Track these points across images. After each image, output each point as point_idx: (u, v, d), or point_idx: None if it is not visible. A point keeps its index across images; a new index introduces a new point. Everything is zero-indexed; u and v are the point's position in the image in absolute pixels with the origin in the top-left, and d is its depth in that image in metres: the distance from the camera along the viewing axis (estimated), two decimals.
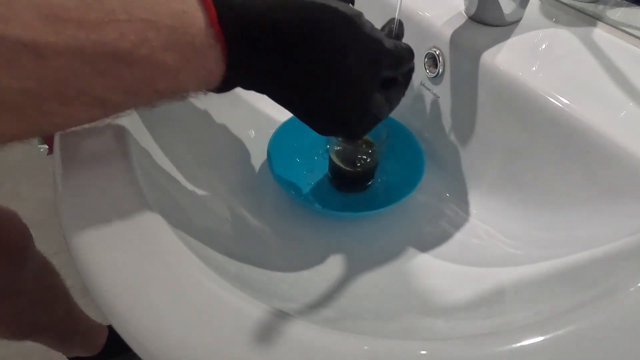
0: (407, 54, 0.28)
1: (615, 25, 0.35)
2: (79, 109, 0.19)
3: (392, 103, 0.28)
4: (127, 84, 0.19)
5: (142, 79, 0.19)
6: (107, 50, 0.18)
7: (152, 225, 0.23)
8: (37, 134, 0.20)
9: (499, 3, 0.34)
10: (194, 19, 0.20)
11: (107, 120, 0.22)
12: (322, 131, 0.28)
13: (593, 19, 0.36)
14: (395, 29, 0.30)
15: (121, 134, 0.28)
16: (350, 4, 0.25)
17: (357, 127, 0.27)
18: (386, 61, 0.26)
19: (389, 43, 0.26)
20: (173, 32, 0.19)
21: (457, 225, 0.37)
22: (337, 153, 0.39)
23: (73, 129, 0.28)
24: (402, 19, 0.30)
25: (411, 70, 0.29)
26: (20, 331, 0.60)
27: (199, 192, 0.35)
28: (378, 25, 0.27)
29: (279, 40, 0.22)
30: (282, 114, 0.42)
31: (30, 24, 0.16)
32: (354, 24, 0.23)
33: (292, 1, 0.22)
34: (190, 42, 0.20)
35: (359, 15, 0.24)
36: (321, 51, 0.23)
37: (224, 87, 0.23)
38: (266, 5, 0.21)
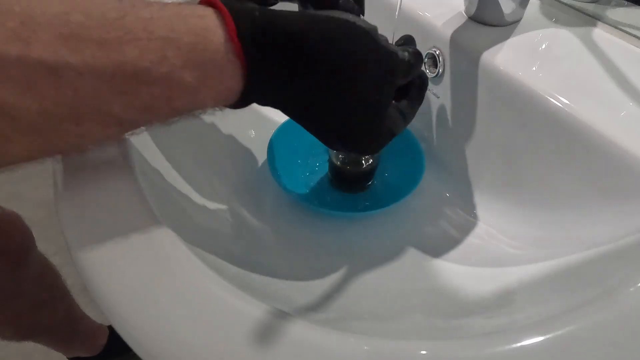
0: (417, 58, 0.27)
1: (615, 25, 0.35)
2: (95, 129, 0.19)
3: (407, 117, 0.28)
4: (145, 103, 0.19)
5: (161, 97, 0.19)
6: (126, 69, 0.18)
7: (151, 225, 0.23)
8: (52, 155, 0.20)
9: (499, 3, 0.34)
10: (213, 35, 0.20)
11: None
12: (337, 148, 0.27)
13: (593, 19, 0.36)
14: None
15: None
16: (363, 17, 0.24)
17: (373, 143, 0.27)
18: (400, 71, 0.26)
19: (402, 54, 0.26)
20: (192, 49, 0.19)
21: (457, 225, 0.37)
22: (337, 153, 0.39)
23: None
24: (402, 19, 0.30)
25: (424, 84, 0.29)
26: (20, 332, 0.60)
27: (199, 192, 0.35)
28: (383, 30, 0.27)
29: (299, 54, 0.22)
30: (282, 114, 0.42)
31: (50, 44, 0.16)
32: (371, 38, 0.23)
33: (311, 15, 0.22)
34: (210, 58, 0.20)
35: (375, 29, 0.24)
36: (340, 65, 0.22)
37: (240, 103, 0.23)
38: (285, 19, 0.21)
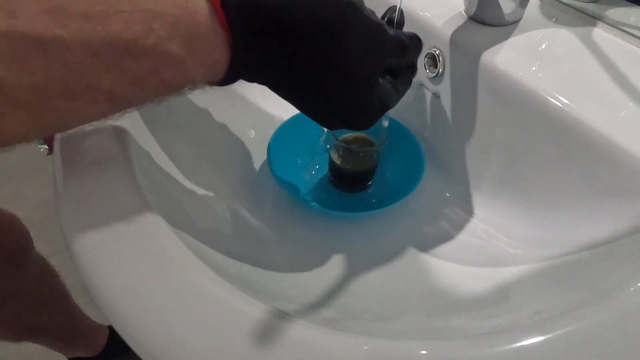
0: (414, 41, 0.27)
1: (615, 25, 0.35)
2: (87, 105, 0.19)
3: (400, 91, 0.28)
4: (134, 76, 0.19)
5: (149, 70, 0.19)
6: (113, 42, 0.18)
7: (152, 226, 0.23)
8: (46, 133, 0.20)
9: (498, 3, 0.34)
10: (197, 7, 0.20)
11: (112, 119, 0.22)
12: (329, 123, 0.27)
13: (593, 18, 0.36)
14: (397, 16, 0.30)
15: (121, 134, 0.28)
16: None
17: (366, 114, 0.27)
18: (390, 47, 0.26)
19: (391, 30, 0.26)
20: (178, 20, 0.19)
21: (457, 225, 0.37)
22: (337, 153, 0.39)
23: (73, 132, 0.28)
24: (402, 11, 0.30)
25: (416, 61, 0.29)
26: (20, 332, 0.60)
27: (199, 192, 0.35)
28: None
29: (283, 24, 0.22)
30: (282, 114, 0.42)
31: (37, 17, 0.16)
32: (357, 9, 0.23)
33: None
34: (195, 30, 0.20)
35: (362, 1, 0.24)
36: (327, 36, 0.23)
37: (228, 77, 0.23)
38: None
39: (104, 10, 0.18)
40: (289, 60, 0.23)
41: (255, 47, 0.22)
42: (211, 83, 0.23)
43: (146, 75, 0.20)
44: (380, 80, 0.26)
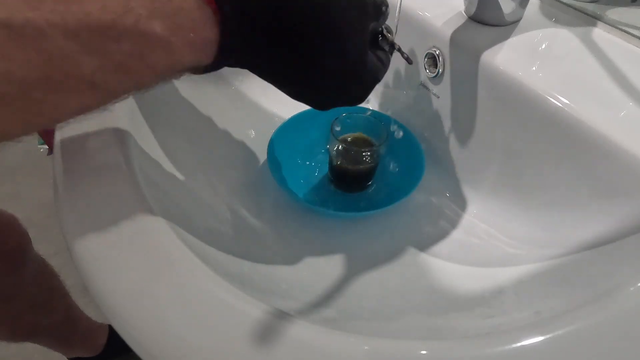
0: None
1: (615, 25, 0.35)
2: (68, 95, 0.18)
3: (384, 62, 0.28)
4: (116, 61, 0.18)
5: (132, 53, 0.18)
6: (90, 23, 0.17)
7: (152, 226, 0.23)
8: (29, 130, 0.18)
9: (498, 3, 0.34)
10: None
11: (104, 112, 0.21)
12: (323, 102, 0.26)
13: (593, 18, 0.36)
14: None
15: (121, 134, 0.28)
16: None
17: (360, 88, 0.26)
18: (371, 11, 0.25)
19: None
20: None
21: (457, 225, 0.37)
22: (337, 153, 0.39)
23: (73, 132, 0.28)
24: (402, 19, 0.30)
25: (389, 27, 0.28)
26: (19, 333, 0.60)
27: (199, 192, 0.35)
28: None
29: (272, 1, 0.21)
30: (283, 114, 0.42)
31: (5, 2, 0.15)
32: None
33: None
34: (178, 6, 0.19)
35: None
36: (314, 10, 0.22)
37: (218, 58, 0.22)
38: None
39: None
40: (278, 36, 0.22)
41: (243, 21, 0.21)
42: (200, 67, 0.22)
43: (129, 60, 0.18)
44: (369, 52, 0.26)
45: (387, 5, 0.27)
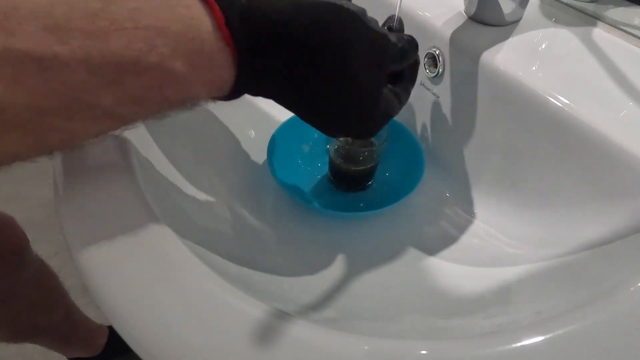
0: (411, 45, 0.27)
1: (615, 25, 0.35)
2: (86, 124, 0.19)
3: (402, 98, 0.28)
4: (135, 94, 0.19)
5: (151, 87, 0.19)
6: (114, 59, 0.17)
7: (152, 226, 0.23)
8: (42, 153, 0.19)
9: (498, 3, 0.34)
10: (201, 24, 0.20)
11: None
12: (333, 133, 0.27)
13: (593, 18, 0.36)
14: (395, 25, 0.30)
15: (121, 135, 0.28)
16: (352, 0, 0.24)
17: (370, 124, 0.27)
18: (392, 54, 0.26)
19: (392, 37, 0.26)
20: (181, 38, 0.19)
21: (457, 225, 0.37)
22: (337, 153, 0.39)
23: None
24: (401, 19, 0.30)
25: (417, 63, 0.29)
26: (19, 334, 0.60)
27: (199, 192, 0.35)
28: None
29: (287, 40, 0.22)
30: (282, 114, 0.42)
31: (36, 35, 0.16)
32: (360, 20, 0.23)
33: (298, 0, 0.22)
34: (199, 47, 0.20)
35: (364, 11, 0.24)
36: (331, 48, 0.22)
37: (233, 93, 0.23)
38: (272, 5, 0.21)
39: (105, 27, 0.17)
40: (293, 73, 0.23)
41: (260, 62, 0.22)
42: (215, 99, 0.23)
43: (148, 93, 0.19)
44: (384, 90, 0.26)
45: (412, 50, 0.27)
